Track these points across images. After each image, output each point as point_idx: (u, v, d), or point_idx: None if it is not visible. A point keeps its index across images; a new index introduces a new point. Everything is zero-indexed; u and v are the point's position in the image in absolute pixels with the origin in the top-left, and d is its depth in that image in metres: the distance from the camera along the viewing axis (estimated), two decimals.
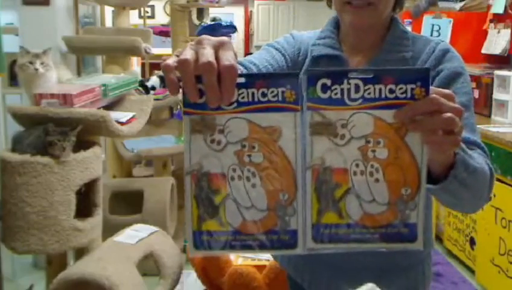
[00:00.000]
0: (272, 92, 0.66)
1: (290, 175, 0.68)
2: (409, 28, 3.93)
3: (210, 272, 2.25)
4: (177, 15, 4.15)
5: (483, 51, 3.80)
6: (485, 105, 3.49)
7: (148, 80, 3.41)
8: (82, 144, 1.85)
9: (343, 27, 1.13)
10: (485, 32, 3.80)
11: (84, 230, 1.83)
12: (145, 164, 4.10)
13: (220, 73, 0.63)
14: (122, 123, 1.99)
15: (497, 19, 3.67)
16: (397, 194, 0.69)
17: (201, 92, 0.65)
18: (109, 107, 2.09)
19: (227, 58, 0.63)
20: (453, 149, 0.75)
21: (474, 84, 3.62)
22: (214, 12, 5.47)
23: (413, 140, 0.68)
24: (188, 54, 0.64)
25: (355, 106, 0.67)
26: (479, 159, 0.88)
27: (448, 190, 0.80)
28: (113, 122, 1.88)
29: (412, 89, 0.66)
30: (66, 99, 1.80)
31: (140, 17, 6.49)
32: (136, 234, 2.13)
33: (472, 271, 3.17)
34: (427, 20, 3.88)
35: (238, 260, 2.29)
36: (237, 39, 9.02)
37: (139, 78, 3.46)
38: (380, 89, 0.66)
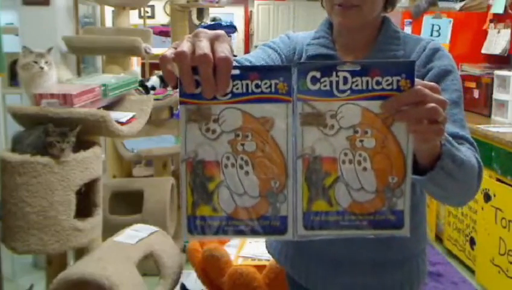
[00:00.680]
0: (266, 83, 0.69)
1: (281, 164, 0.71)
2: (409, 28, 3.96)
3: (210, 272, 2.25)
4: (177, 15, 4.14)
5: (483, 51, 3.80)
6: (485, 105, 3.49)
7: (148, 80, 3.41)
8: (82, 144, 1.85)
9: (335, 27, 1.16)
10: (485, 32, 3.80)
11: (84, 230, 1.83)
12: (145, 164, 4.10)
13: (215, 65, 0.65)
14: (122, 123, 1.99)
15: (497, 19, 3.67)
16: (384, 182, 0.72)
17: (197, 83, 0.67)
18: (109, 107, 2.09)
19: (222, 50, 0.66)
20: (437, 138, 0.77)
21: (474, 84, 3.63)
22: (214, 12, 5.47)
23: (399, 130, 0.71)
24: (185, 46, 0.66)
25: (343, 97, 0.70)
26: (466, 153, 0.91)
27: (436, 180, 0.83)
28: (113, 122, 1.88)
29: (398, 81, 0.69)
30: (66, 99, 1.80)
31: (140, 17, 6.49)
32: (136, 234, 2.13)
33: (472, 271, 3.17)
34: (427, 20, 3.88)
35: (238, 260, 2.29)
36: (237, 39, 9.03)
37: (139, 78, 3.47)
38: (367, 81, 0.69)
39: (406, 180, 0.72)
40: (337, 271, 1.16)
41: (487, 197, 2.89)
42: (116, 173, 3.39)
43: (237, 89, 0.69)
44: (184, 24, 4.01)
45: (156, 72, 3.87)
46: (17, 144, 1.80)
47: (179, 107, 0.71)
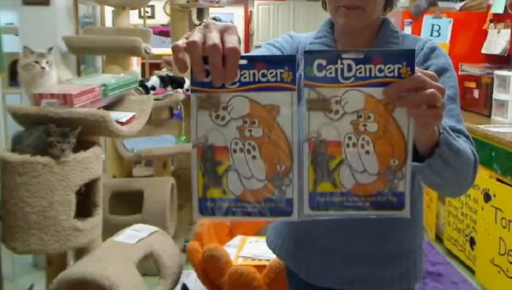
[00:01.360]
0: (271, 73, 0.73)
1: (287, 149, 0.75)
2: (409, 28, 3.95)
3: (210, 272, 2.25)
4: (177, 15, 4.14)
5: (483, 51, 3.80)
6: (485, 105, 3.49)
7: (148, 80, 3.41)
8: (82, 144, 1.85)
9: (337, 28, 1.20)
10: (485, 32, 3.80)
11: (84, 230, 1.83)
12: (145, 164, 4.10)
13: (224, 54, 0.69)
14: (122, 123, 1.99)
15: (497, 19, 3.67)
16: (386, 165, 0.75)
17: (207, 72, 0.71)
18: (109, 107, 2.09)
19: (231, 41, 0.70)
20: (435, 122, 0.81)
21: (474, 84, 3.63)
22: (214, 12, 5.47)
23: (400, 115, 0.74)
24: (197, 36, 0.70)
25: (348, 84, 0.74)
26: (463, 144, 0.95)
27: (433, 167, 0.87)
28: (113, 122, 1.88)
29: (399, 68, 0.73)
30: (66, 99, 1.80)
31: (140, 17, 6.49)
32: (136, 234, 2.13)
33: (472, 271, 3.17)
34: (427, 20, 3.88)
35: (238, 260, 2.29)
36: None
37: (139, 78, 3.47)
38: (370, 69, 0.73)
39: (407, 163, 0.75)
40: (336, 264, 1.18)
41: (487, 197, 2.89)
42: (116, 173, 3.39)
43: (245, 78, 0.73)
44: (184, 24, 4.01)
45: (156, 72, 3.87)
46: (17, 144, 1.80)
47: (190, 95, 0.74)
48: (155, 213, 2.82)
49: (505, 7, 3.54)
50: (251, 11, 9.13)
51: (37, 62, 1.90)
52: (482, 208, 2.95)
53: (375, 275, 1.18)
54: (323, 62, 0.73)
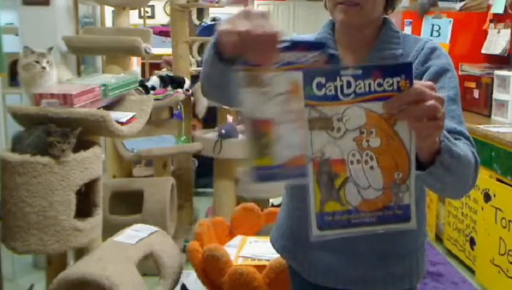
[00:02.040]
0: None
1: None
2: (409, 28, 3.96)
3: (210, 272, 2.25)
4: (177, 15, 4.14)
5: (483, 51, 3.80)
6: (485, 105, 3.49)
7: (148, 80, 3.41)
8: (82, 144, 1.85)
9: (337, 27, 1.20)
10: (485, 32, 3.80)
11: (84, 230, 1.83)
12: (145, 164, 4.10)
13: (265, 38, 0.75)
14: (122, 123, 1.99)
15: (497, 19, 3.66)
16: (391, 179, 0.76)
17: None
18: (109, 107, 2.09)
19: (271, 27, 0.77)
20: (437, 133, 0.81)
21: (474, 84, 3.62)
22: (214, 12, 5.46)
23: (402, 128, 0.75)
24: (242, 23, 0.77)
25: (348, 100, 0.74)
26: (463, 147, 0.95)
27: (435, 174, 0.87)
28: (113, 122, 1.88)
29: (398, 82, 0.73)
30: (66, 99, 1.80)
31: (140, 17, 6.48)
32: (136, 234, 2.13)
33: (472, 271, 3.16)
34: (427, 20, 3.88)
35: (238, 260, 2.29)
36: None
37: (139, 78, 3.47)
38: (370, 84, 0.74)
39: (411, 175, 0.76)
40: (339, 264, 1.18)
41: (487, 197, 2.89)
42: (116, 173, 3.39)
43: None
44: (184, 24, 4.00)
45: (156, 72, 3.87)
46: (17, 144, 1.80)
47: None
48: (155, 213, 2.82)
49: (505, 7, 3.54)
50: None
51: (37, 62, 1.90)
52: (482, 208, 2.95)
53: (378, 275, 1.17)
54: (322, 80, 0.74)
